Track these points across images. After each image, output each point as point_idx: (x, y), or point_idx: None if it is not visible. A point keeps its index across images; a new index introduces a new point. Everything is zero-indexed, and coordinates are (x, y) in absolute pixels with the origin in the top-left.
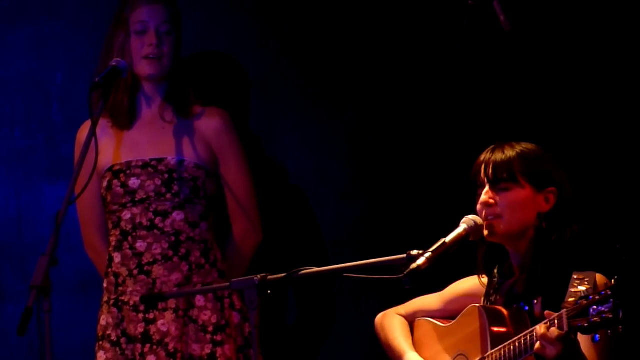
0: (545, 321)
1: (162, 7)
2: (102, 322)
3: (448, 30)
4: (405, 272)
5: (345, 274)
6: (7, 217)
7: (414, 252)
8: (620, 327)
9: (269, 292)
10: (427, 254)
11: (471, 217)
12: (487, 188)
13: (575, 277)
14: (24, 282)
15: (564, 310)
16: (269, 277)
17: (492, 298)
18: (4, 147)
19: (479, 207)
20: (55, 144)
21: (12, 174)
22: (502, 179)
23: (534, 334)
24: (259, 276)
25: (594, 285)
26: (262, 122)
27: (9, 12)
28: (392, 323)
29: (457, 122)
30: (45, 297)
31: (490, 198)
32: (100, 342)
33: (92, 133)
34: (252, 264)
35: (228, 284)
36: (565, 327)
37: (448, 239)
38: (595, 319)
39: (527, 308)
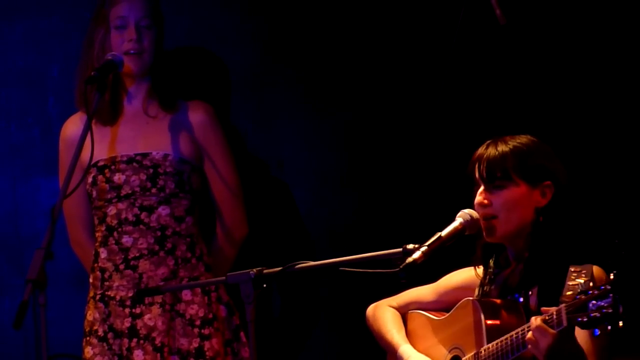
0: (544, 315)
1: (142, 1)
2: (89, 317)
3: (444, 23)
4: (401, 266)
5: (341, 268)
6: (4, 211)
7: (410, 246)
8: (621, 321)
9: (264, 285)
10: (423, 248)
11: (467, 211)
12: (481, 188)
13: (572, 269)
14: (20, 275)
15: (563, 305)
16: (265, 270)
17: (486, 288)
18: (0, 141)
19: (475, 207)
20: (51, 138)
21: (8, 168)
22: (495, 177)
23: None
24: (255, 270)
25: (591, 277)
26: (257, 117)
27: (5, 5)
28: (384, 315)
29: (453, 116)
30: (41, 291)
31: (484, 199)
32: (87, 338)
33: (88, 127)
34: (239, 258)
35: (224, 277)
36: (565, 322)
37: (444, 232)
38: (595, 313)
39: (521, 300)
